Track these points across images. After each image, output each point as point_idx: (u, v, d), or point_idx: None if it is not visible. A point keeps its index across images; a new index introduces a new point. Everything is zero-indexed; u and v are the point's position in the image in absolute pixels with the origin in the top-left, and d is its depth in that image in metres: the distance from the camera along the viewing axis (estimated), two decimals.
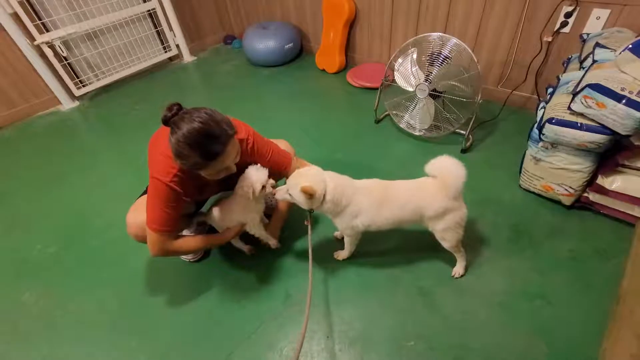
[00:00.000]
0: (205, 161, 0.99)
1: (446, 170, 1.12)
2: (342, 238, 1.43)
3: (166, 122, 0.99)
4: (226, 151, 1.01)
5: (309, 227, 1.26)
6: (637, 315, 0.74)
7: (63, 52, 2.57)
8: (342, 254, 1.43)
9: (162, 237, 1.14)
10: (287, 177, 1.25)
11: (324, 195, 1.13)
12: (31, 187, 1.98)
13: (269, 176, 1.22)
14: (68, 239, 1.65)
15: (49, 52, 2.49)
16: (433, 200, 1.14)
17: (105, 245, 1.59)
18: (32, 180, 2.03)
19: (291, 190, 1.14)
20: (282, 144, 1.40)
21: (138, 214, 1.19)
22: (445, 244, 1.24)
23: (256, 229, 1.35)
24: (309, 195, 1.09)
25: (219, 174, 1.09)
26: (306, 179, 1.11)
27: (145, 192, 1.30)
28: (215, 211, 1.29)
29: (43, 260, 1.55)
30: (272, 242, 1.43)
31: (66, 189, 1.94)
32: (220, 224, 1.31)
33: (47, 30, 2.48)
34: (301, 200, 1.13)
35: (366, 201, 1.17)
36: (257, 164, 1.22)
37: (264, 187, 1.19)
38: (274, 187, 1.22)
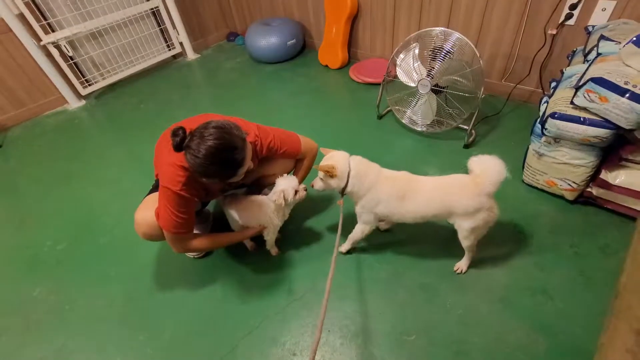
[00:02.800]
0: (232, 171, 1.07)
1: (486, 165, 1.11)
2: (385, 230, 1.46)
3: (179, 148, 1.02)
4: (247, 155, 1.08)
5: (341, 207, 1.32)
6: (635, 310, 0.74)
7: (69, 51, 2.61)
8: (344, 246, 1.43)
9: (180, 237, 1.21)
10: (302, 157, 1.41)
11: (349, 172, 1.19)
12: (40, 185, 2.02)
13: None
14: (77, 236, 1.69)
15: (55, 52, 2.52)
16: (463, 197, 1.13)
17: (114, 242, 1.63)
18: (41, 178, 2.07)
19: (320, 176, 1.24)
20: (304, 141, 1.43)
21: (147, 212, 1.22)
22: (466, 243, 1.23)
23: (272, 235, 1.40)
24: (329, 174, 1.18)
25: (242, 176, 1.15)
26: (330, 160, 1.21)
27: (152, 190, 1.34)
28: (237, 210, 1.34)
29: (53, 256, 1.59)
30: (274, 250, 1.47)
31: (75, 186, 1.98)
32: (241, 221, 1.35)
33: (53, 31, 2.51)
34: (329, 182, 1.21)
35: (388, 191, 1.20)
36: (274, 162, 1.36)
37: (296, 192, 1.27)
38: (306, 190, 1.31)
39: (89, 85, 2.81)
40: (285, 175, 1.30)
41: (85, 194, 1.93)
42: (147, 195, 1.33)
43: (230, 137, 1.03)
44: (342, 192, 1.25)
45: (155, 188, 1.33)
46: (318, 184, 1.28)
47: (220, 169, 1.05)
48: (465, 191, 1.13)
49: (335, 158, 1.22)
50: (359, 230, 1.34)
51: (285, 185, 1.26)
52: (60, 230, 1.72)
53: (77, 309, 1.37)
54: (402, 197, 1.19)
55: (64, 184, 2.00)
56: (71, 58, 2.65)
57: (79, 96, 2.80)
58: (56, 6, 2.49)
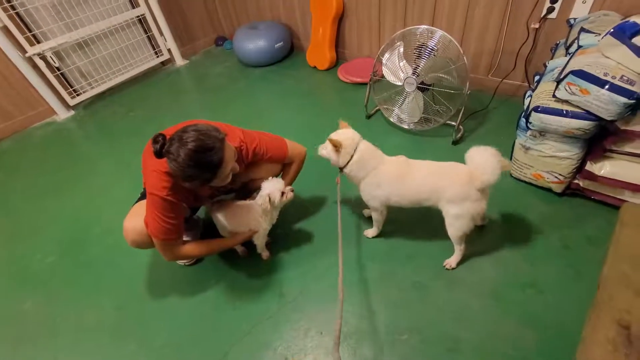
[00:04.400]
0: (212, 173, 1.06)
1: (481, 162, 1.12)
2: (370, 216, 1.48)
3: (160, 154, 1.02)
4: (225, 155, 1.07)
5: (338, 186, 1.34)
6: (616, 300, 0.74)
7: (55, 62, 2.59)
8: (370, 232, 1.48)
9: (169, 244, 1.20)
10: (289, 161, 1.41)
11: (353, 155, 1.24)
12: (30, 197, 2.01)
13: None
14: (67, 247, 1.68)
15: (41, 64, 2.51)
16: (454, 183, 1.16)
17: (104, 253, 1.62)
18: (31, 190, 2.06)
19: (326, 145, 1.28)
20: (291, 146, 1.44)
21: (135, 220, 1.21)
22: (452, 231, 1.24)
23: (261, 239, 1.40)
24: (337, 147, 1.23)
25: (227, 178, 1.15)
26: (338, 135, 1.26)
27: (140, 198, 1.33)
28: (225, 215, 1.33)
29: (43, 269, 1.58)
30: (265, 254, 1.47)
31: (65, 198, 1.97)
32: (229, 227, 1.35)
33: (38, 42, 2.49)
34: (331, 154, 1.26)
35: (389, 172, 1.25)
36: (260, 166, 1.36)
37: (283, 193, 1.27)
38: (293, 191, 1.31)
39: (77, 95, 2.80)
40: (271, 178, 1.30)
41: (75, 204, 1.92)
42: (136, 203, 1.33)
43: (208, 139, 1.02)
44: (341, 169, 1.31)
45: (143, 196, 1.32)
46: (322, 151, 1.32)
47: (200, 171, 1.04)
48: (457, 179, 1.16)
49: (345, 135, 1.26)
50: (374, 217, 1.41)
51: (271, 189, 1.26)
52: (51, 243, 1.70)
53: (67, 320, 1.36)
54: (398, 178, 1.24)
55: (54, 196, 1.99)
56: (58, 69, 2.64)
57: (68, 107, 2.78)
58: (40, 17, 2.47)
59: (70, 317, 1.38)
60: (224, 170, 1.09)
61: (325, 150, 1.29)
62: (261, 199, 1.25)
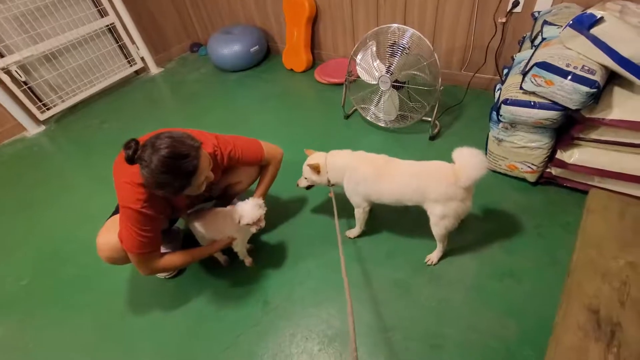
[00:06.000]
0: (186, 181, 1.03)
1: (467, 160, 1.11)
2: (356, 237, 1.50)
3: (132, 160, 0.99)
4: (200, 163, 1.04)
5: (333, 199, 1.36)
6: (585, 287, 0.76)
7: (21, 76, 2.50)
8: (352, 232, 1.49)
9: (146, 258, 1.16)
10: (266, 163, 1.41)
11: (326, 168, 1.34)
12: (1, 216, 1.93)
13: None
14: (41, 267, 1.61)
15: (6, 79, 2.41)
16: (439, 184, 1.16)
17: (81, 270, 1.57)
18: (2, 209, 1.98)
19: (305, 174, 1.41)
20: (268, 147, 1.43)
21: (109, 236, 1.18)
22: (436, 230, 1.25)
23: (241, 247, 1.38)
24: (316, 170, 1.34)
25: (201, 187, 1.12)
26: (311, 160, 1.37)
27: (114, 213, 1.29)
28: (203, 224, 1.31)
29: (15, 292, 1.52)
30: (248, 261, 1.45)
31: (37, 216, 1.90)
32: (207, 236, 1.32)
33: (2, 56, 2.40)
34: (313, 177, 1.37)
35: (365, 170, 1.27)
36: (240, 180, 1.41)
37: (254, 224, 1.24)
38: (262, 219, 1.27)
39: (47, 109, 2.70)
40: (252, 202, 1.25)
41: (48, 222, 1.85)
42: (109, 218, 1.29)
43: (182, 146, 1.00)
44: (329, 184, 1.38)
45: (117, 210, 1.28)
46: (302, 183, 1.45)
47: (173, 179, 1.00)
48: (442, 179, 1.16)
49: (317, 158, 1.37)
50: (357, 214, 1.42)
51: (244, 215, 1.22)
52: (23, 264, 1.64)
53: (44, 344, 1.31)
54: (379, 177, 1.25)
55: (27, 214, 1.91)
56: (25, 83, 2.54)
57: (38, 122, 2.68)
58: (3, 31, 2.38)
59: (44, 340, 1.32)
60: (198, 179, 1.06)
61: (307, 176, 1.40)
62: (235, 214, 1.23)
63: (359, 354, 1.15)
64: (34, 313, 1.43)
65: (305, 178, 1.42)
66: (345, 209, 1.56)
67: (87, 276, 1.54)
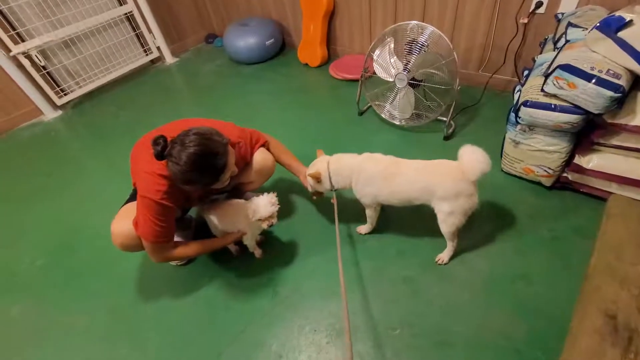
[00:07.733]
0: (216, 177, 1.06)
1: (473, 156, 1.13)
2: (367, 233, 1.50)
3: (161, 157, 1.01)
4: (229, 160, 1.07)
5: (335, 205, 1.34)
6: (603, 291, 0.75)
7: (41, 61, 2.54)
8: (363, 228, 1.49)
9: (160, 247, 1.19)
10: (268, 148, 1.42)
11: (330, 174, 1.31)
12: (17, 200, 1.97)
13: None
14: (56, 251, 1.65)
15: (26, 63, 2.46)
16: (445, 180, 1.16)
17: (94, 256, 1.60)
18: (18, 193, 2.02)
19: (309, 182, 1.38)
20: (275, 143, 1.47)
21: (123, 223, 1.20)
22: (445, 228, 1.25)
23: (251, 240, 1.39)
24: (317, 179, 1.32)
25: (226, 182, 1.15)
26: (314, 167, 1.35)
27: (129, 200, 1.31)
28: (217, 215, 1.32)
29: (32, 273, 1.55)
30: (257, 252, 1.46)
31: (53, 200, 1.94)
32: (221, 227, 1.34)
33: (23, 40, 2.44)
34: (316, 185, 1.35)
35: (372, 171, 1.27)
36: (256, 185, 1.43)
37: (266, 219, 1.25)
38: (274, 216, 1.27)
39: (65, 94, 2.75)
40: (265, 195, 1.26)
41: (64, 207, 1.89)
42: (124, 205, 1.31)
43: (212, 143, 1.02)
44: (332, 189, 1.36)
45: (132, 198, 1.30)
46: (309, 189, 1.43)
47: (202, 176, 1.04)
48: (449, 175, 1.16)
49: (317, 165, 1.35)
50: (368, 213, 1.42)
51: (260, 210, 1.22)
52: (39, 246, 1.68)
53: (57, 326, 1.34)
54: (387, 177, 1.25)
55: (42, 198, 1.96)
56: (44, 68, 2.58)
57: (55, 106, 2.73)
58: (25, 15, 2.42)
59: (59, 322, 1.35)
60: (225, 175, 1.09)
61: (312, 185, 1.38)
62: (250, 210, 1.23)
63: (367, 349, 1.15)
64: (47, 295, 1.46)
65: (311, 185, 1.40)
66: (352, 212, 1.56)
67: (100, 261, 1.57)
